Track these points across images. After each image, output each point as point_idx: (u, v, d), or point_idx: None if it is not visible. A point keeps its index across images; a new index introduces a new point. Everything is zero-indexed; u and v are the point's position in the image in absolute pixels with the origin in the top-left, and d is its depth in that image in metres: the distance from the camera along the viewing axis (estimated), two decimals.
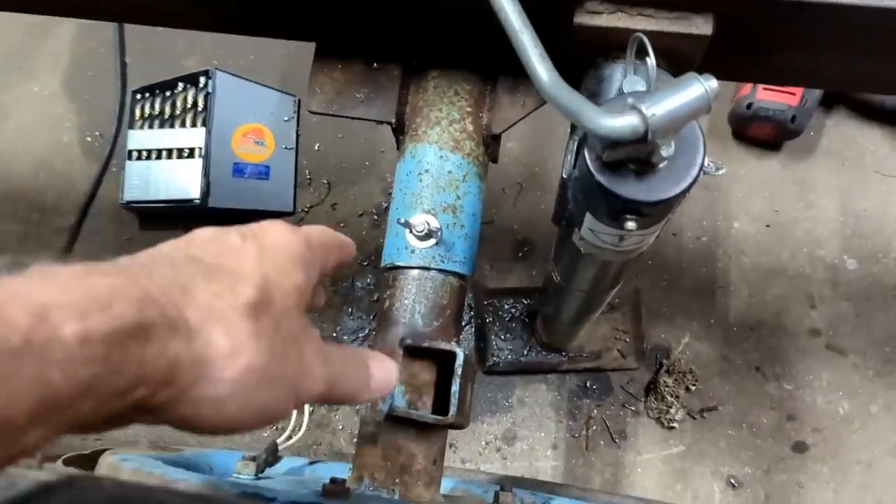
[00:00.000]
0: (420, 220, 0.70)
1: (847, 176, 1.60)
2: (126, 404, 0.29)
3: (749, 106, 1.52)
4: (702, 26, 0.58)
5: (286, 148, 1.64)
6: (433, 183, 0.72)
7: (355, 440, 0.72)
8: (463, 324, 1.42)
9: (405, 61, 0.77)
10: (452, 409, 0.65)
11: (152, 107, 1.56)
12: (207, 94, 1.51)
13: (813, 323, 1.50)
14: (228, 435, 0.35)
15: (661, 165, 0.50)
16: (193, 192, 1.47)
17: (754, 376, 1.46)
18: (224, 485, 0.54)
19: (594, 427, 1.44)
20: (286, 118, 1.66)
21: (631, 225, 0.53)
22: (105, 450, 0.73)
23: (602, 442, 1.43)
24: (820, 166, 1.61)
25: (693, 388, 1.43)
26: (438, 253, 0.71)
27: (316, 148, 1.68)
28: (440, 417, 0.66)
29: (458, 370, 0.66)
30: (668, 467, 1.41)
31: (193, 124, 1.51)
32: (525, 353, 1.45)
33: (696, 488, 1.40)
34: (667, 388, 1.42)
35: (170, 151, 1.51)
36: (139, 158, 1.54)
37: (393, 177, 0.78)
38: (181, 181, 1.48)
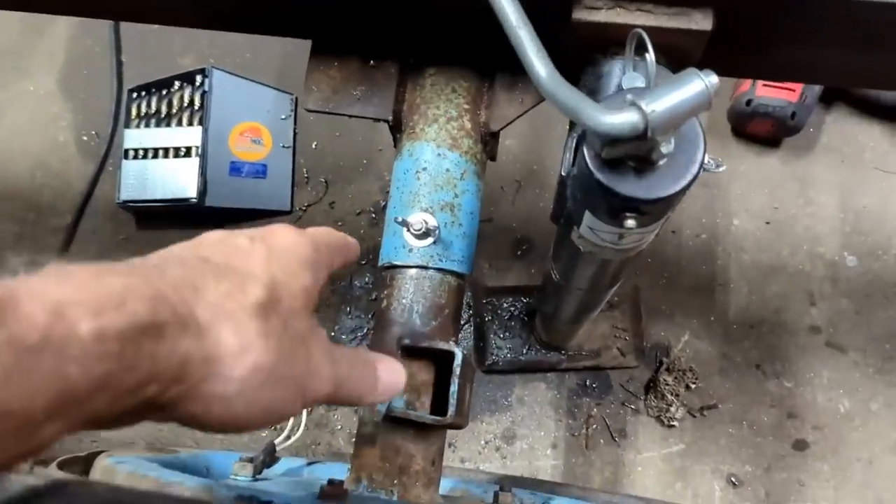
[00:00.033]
0: (418, 219, 0.69)
1: (847, 172, 1.60)
2: (138, 400, 0.29)
3: (748, 102, 1.51)
4: (701, 22, 0.58)
5: (283, 146, 1.63)
6: (431, 181, 0.72)
7: (354, 440, 0.71)
8: (462, 322, 1.42)
9: (402, 58, 0.77)
10: (451, 410, 0.65)
11: (149, 105, 1.55)
12: (204, 92, 1.50)
13: (813, 320, 1.49)
14: (236, 433, 0.36)
15: (661, 163, 0.49)
16: (190, 191, 1.46)
17: (754, 374, 1.45)
18: (220, 488, 0.53)
19: (594, 426, 1.43)
20: (283, 116, 1.65)
21: (630, 223, 0.52)
22: (101, 452, 0.72)
23: (602, 440, 1.42)
24: (819, 163, 1.61)
25: (693, 386, 1.43)
26: (436, 252, 0.70)
27: (313, 146, 1.67)
28: (438, 418, 0.65)
29: (457, 370, 0.65)
30: (668, 466, 1.40)
31: (190, 123, 1.50)
32: (524, 351, 1.44)
33: (697, 487, 1.39)
34: (667, 387, 1.42)
35: (166, 150, 1.50)
36: (135, 157, 1.53)
37: (391, 175, 0.77)
38: (178, 180, 1.48)
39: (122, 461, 0.61)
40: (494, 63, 0.75)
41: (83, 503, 0.36)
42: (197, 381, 0.31)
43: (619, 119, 0.44)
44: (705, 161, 0.51)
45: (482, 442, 1.43)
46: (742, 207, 1.58)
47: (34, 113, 1.73)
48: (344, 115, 0.77)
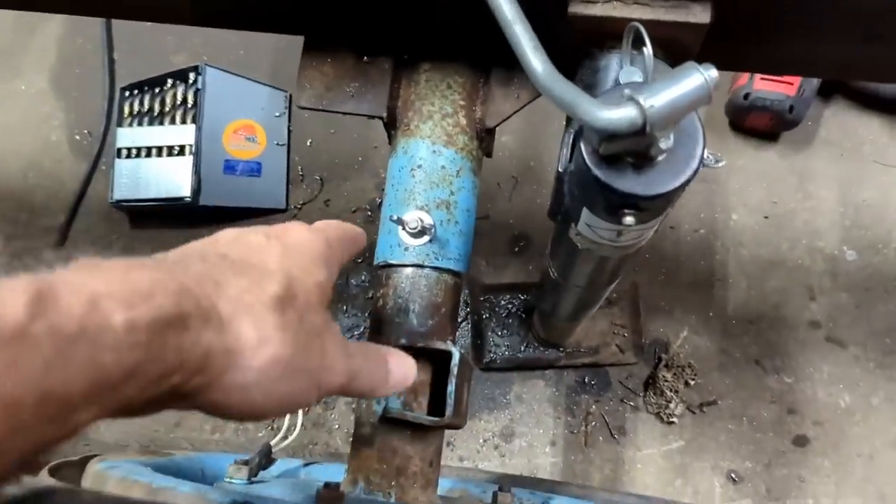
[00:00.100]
0: (413, 217, 0.68)
1: (846, 166, 1.59)
2: (163, 390, 0.31)
3: (746, 96, 1.50)
4: (700, 14, 0.57)
5: (278, 144, 1.62)
6: (426, 178, 0.71)
7: (351, 440, 0.71)
8: (459, 320, 1.41)
9: (396, 54, 0.76)
10: (449, 410, 0.64)
11: (141, 104, 1.54)
12: (197, 90, 1.49)
13: (812, 315, 1.49)
14: (254, 421, 0.39)
15: (660, 158, 0.48)
16: (184, 190, 1.45)
17: (754, 370, 1.45)
18: (213, 493, 0.52)
19: (593, 423, 1.42)
20: (277, 114, 1.64)
21: (629, 220, 0.51)
22: (93, 456, 0.71)
23: (601, 438, 1.42)
24: (818, 157, 1.60)
25: (692, 382, 1.42)
26: (432, 250, 0.69)
27: (308, 144, 1.66)
28: (436, 419, 0.65)
29: (454, 370, 0.64)
30: (667, 462, 1.40)
31: (183, 121, 1.49)
32: (522, 349, 1.43)
33: (697, 483, 1.39)
34: (666, 383, 1.41)
35: (160, 149, 1.49)
36: (129, 156, 1.51)
37: (386, 172, 0.76)
38: (171, 179, 1.46)
39: (113, 466, 0.60)
40: (490, 58, 0.74)
41: None
42: (218, 371, 0.33)
43: (616, 114, 0.43)
44: (705, 156, 0.50)
45: (481, 440, 1.42)
46: (740, 202, 1.57)
47: (26, 112, 1.72)
48: (337, 112, 0.76)
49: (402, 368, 0.47)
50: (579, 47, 0.62)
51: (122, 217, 1.61)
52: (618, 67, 0.57)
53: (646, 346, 1.46)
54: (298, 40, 0.77)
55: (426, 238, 0.69)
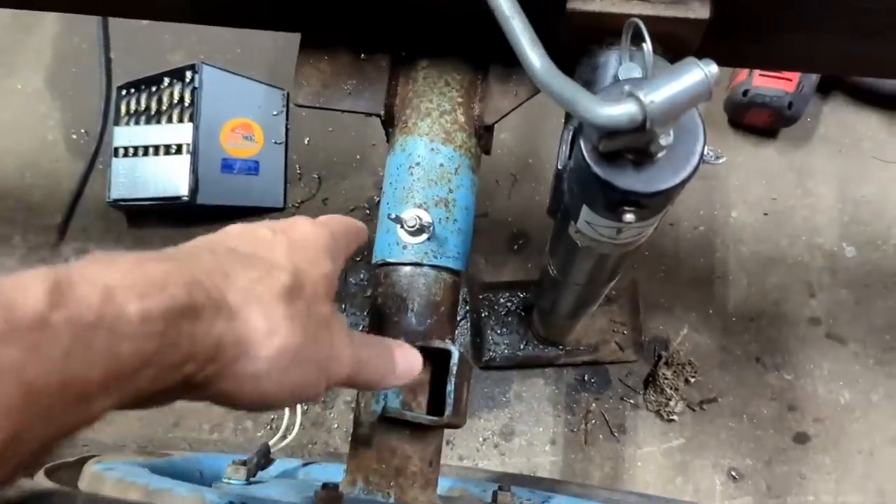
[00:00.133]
0: (411, 215, 0.68)
1: (845, 162, 1.59)
2: (176, 379, 0.32)
3: (745, 93, 1.50)
4: (699, 10, 0.56)
5: (275, 142, 1.61)
6: (424, 176, 0.70)
7: (350, 440, 0.70)
8: (458, 319, 1.41)
9: (393, 51, 0.75)
10: (448, 410, 0.63)
11: (138, 103, 1.53)
12: (194, 88, 1.48)
13: (812, 311, 1.48)
14: (265, 410, 0.40)
15: (660, 155, 0.48)
16: (182, 189, 1.44)
17: (754, 367, 1.45)
18: (210, 494, 0.52)
19: (593, 421, 1.42)
20: (275, 112, 1.63)
21: (629, 217, 0.51)
22: (90, 457, 0.71)
23: (601, 436, 1.41)
24: (817, 153, 1.60)
25: (692, 379, 1.42)
26: (431, 248, 0.69)
27: (306, 142, 1.65)
28: (435, 418, 0.64)
29: (454, 369, 0.64)
30: (668, 460, 1.40)
31: (180, 120, 1.48)
32: (522, 347, 1.43)
33: (697, 481, 1.38)
34: (666, 381, 1.41)
35: (157, 148, 1.48)
36: (125, 155, 1.51)
37: (384, 170, 0.76)
38: (169, 178, 1.46)
39: (110, 468, 0.60)
40: (488, 55, 0.73)
41: None
42: (229, 360, 0.34)
43: (616, 110, 0.43)
44: (705, 153, 0.50)
45: (480, 439, 1.42)
46: (740, 199, 1.57)
47: (22, 112, 1.71)
48: (334, 110, 0.76)
49: (409, 360, 0.48)
50: (578, 44, 0.61)
51: (119, 216, 1.61)
52: (617, 64, 0.57)
53: (645, 344, 1.46)
54: (296, 38, 0.77)
55: (425, 236, 0.68)
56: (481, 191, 0.77)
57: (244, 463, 0.73)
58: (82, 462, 0.68)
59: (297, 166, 1.63)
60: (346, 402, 1.44)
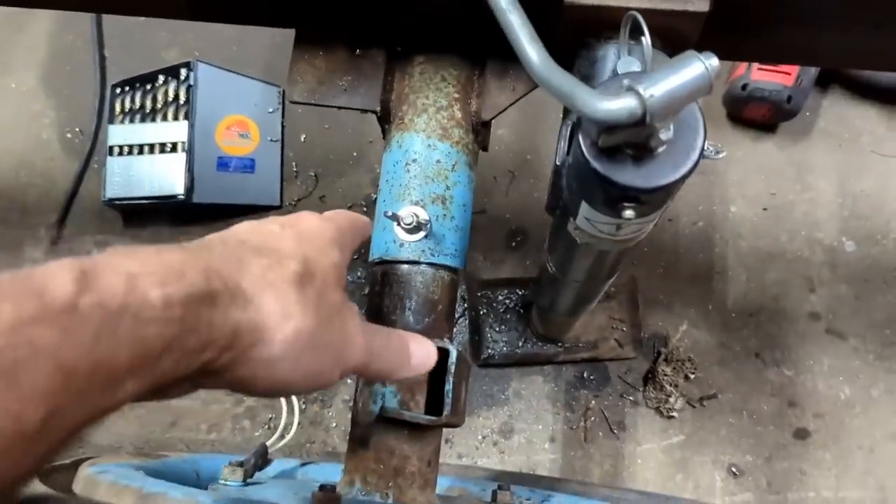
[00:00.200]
0: (408, 213, 0.67)
1: (844, 157, 1.58)
2: (195, 366, 0.33)
3: (744, 87, 1.49)
4: (698, 3, 0.56)
5: (271, 140, 1.61)
6: (421, 173, 0.69)
7: (347, 439, 0.70)
8: (457, 316, 1.40)
9: (389, 46, 0.74)
10: (446, 409, 0.63)
11: (133, 101, 1.52)
12: (189, 86, 1.47)
13: (812, 307, 1.48)
14: (281, 396, 0.40)
15: (660, 150, 0.47)
16: (177, 187, 1.43)
17: (754, 363, 1.44)
18: (205, 497, 0.51)
19: (592, 418, 1.42)
20: (271, 110, 1.62)
21: (629, 213, 0.50)
22: (85, 459, 0.70)
23: (601, 433, 1.41)
24: (816, 147, 1.59)
25: (692, 376, 1.41)
26: (428, 246, 0.68)
27: (302, 139, 1.64)
28: (433, 417, 0.64)
29: (452, 368, 0.63)
30: (668, 457, 1.39)
31: (175, 118, 1.47)
32: (520, 344, 1.42)
33: (697, 478, 1.38)
34: (665, 377, 1.40)
35: (152, 146, 1.47)
36: (121, 154, 1.50)
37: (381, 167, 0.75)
38: (164, 177, 1.45)
39: (104, 470, 0.59)
40: (485, 50, 0.73)
41: None
42: (246, 346, 0.35)
43: (616, 105, 0.42)
44: (705, 148, 0.49)
45: (479, 437, 1.42)
46: (739, 194, 1.56)
47: (16, 110, 1.70)
48: (330, 106, 0.75)
49: (423, 351, 0.48)
50: (576, 38, 0.60)
51: (115, 216, 1.60)
52: (615, 58, 0.56)
53: (645, 341, 1.45)
54: (291, 35, 0.76)
55: (422, 234, 0.67)
56: (479, 187, 0.76)
57: (241, 464, 0.72)
58: (77, 465, 0.68)
59: (294, 164, 1.62)
60: (345, 400, 1.43)
